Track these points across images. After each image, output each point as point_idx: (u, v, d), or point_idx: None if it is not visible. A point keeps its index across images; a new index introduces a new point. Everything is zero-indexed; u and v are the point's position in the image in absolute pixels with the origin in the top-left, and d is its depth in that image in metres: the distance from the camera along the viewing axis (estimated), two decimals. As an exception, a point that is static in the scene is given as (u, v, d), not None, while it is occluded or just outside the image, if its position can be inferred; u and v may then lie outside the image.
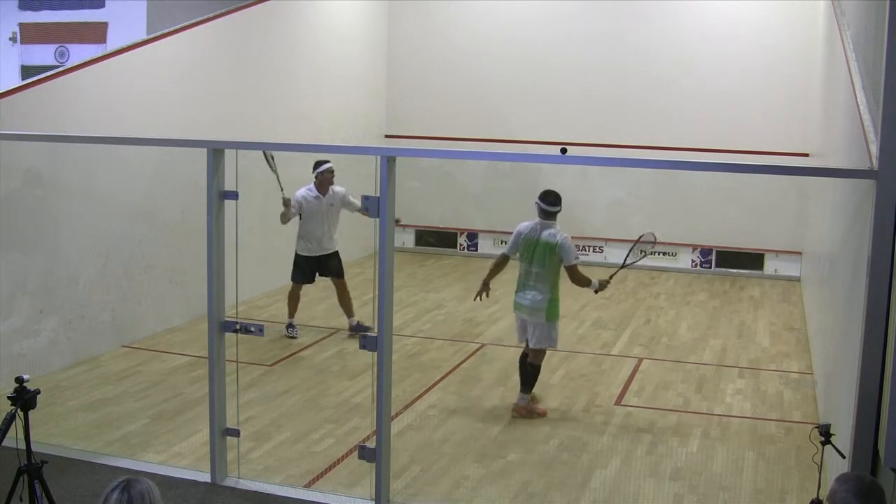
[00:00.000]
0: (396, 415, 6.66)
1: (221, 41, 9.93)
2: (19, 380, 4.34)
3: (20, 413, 4.30)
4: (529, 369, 6.99)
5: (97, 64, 8.29)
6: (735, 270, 12.49)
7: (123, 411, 6.85)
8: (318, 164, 8.78)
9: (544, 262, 6.76)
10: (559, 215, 6.86)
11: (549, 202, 6.80)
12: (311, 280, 8.93)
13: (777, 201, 12.15)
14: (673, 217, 12.58)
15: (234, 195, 5.53)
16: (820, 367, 7.47)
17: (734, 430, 6.74)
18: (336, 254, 8.93)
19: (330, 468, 5.92)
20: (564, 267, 6.79)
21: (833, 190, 7.16)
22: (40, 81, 7.74)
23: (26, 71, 12.49)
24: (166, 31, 9.21)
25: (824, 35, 10.40)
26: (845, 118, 6.51)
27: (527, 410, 6.90)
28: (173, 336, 8.83)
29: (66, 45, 12.84)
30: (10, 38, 13.21)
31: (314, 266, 8.87)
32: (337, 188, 8.82)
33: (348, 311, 8.99)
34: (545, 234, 6.76)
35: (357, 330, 8.74)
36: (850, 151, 5.85)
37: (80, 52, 12.16)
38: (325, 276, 8.92)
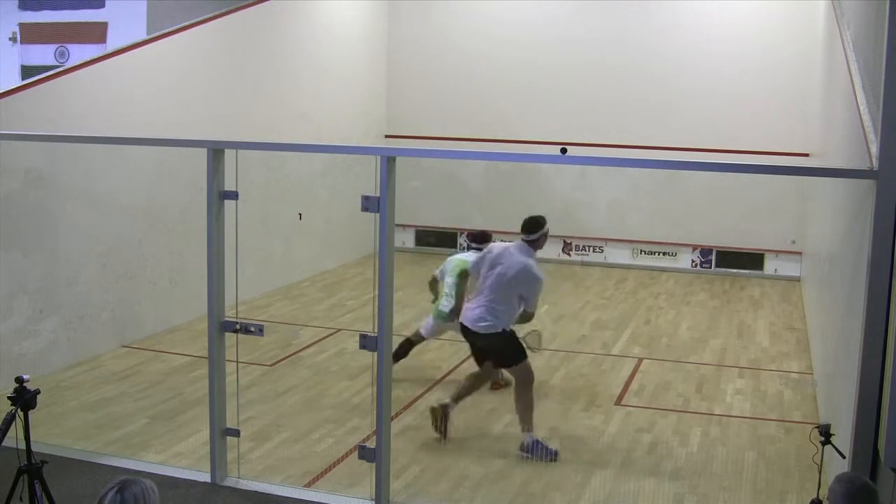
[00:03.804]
0: (396, 415, 6.66)
1: (221, 41, 9.93)
2: (19, 380, 4.34)
3: (20, 413, 4.30)
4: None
5: (97, 64, 8.29)
6: (735, 270, 12.49)
7: (123, 411, 6.85)
8: (543, 222, 6.42)
9: None
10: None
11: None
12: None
13: (777, 201, 12.15)
14: (673, 217, 12.58)
15: (234, 195, 5.53)
16: (820, 367, 7.47)
17: (734, 430, 6.74)
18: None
19: (330, 468, 5.92)
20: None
21: (833, 190, 7.16)
22: (40, 81, 7.74)
23: (26, 71, 12.48)
24: (166, 31, 9.21)
25: (824, 35, 10.40)
26: (845, 118, 6.51)
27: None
28: (173, 336, 8.83)
29: (66, 45, 12.84)
30: (10, 38, 13.20)
31: None
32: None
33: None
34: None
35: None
36: (850, 151, 5.85)
37: (80, 52, 12.16)
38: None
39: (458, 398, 6.43)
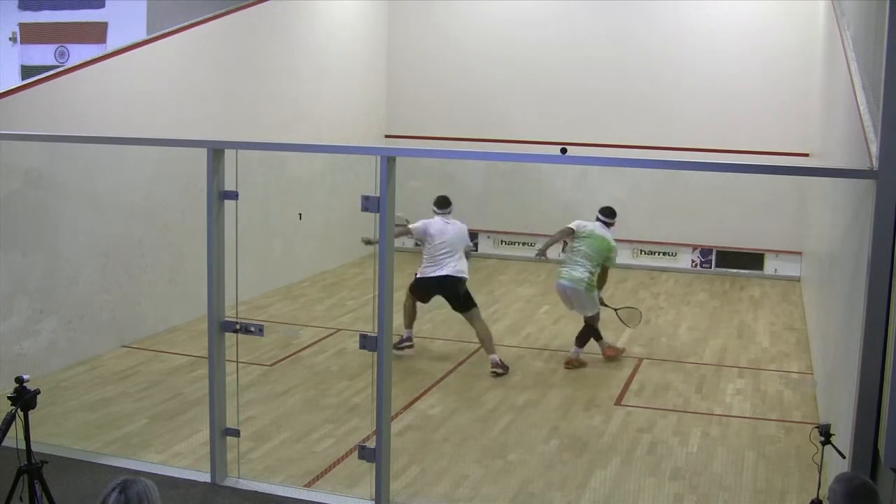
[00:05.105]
0: (396, 415, 6.66)
1: (221, 41, 9.93)
2: (19, 380, 4.34)
3: (20, 413, 4.30)
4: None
5: (97, 64, 8.29)
6: (735, 270, 12.49)
7: (123, 411, 6.85)
8: (450, 201, 8.78)
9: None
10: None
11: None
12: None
13: (777, 201, 12.15)
14: (673, 217, 12.58)
15: (234, 195, 5.54)
16: (820, 367, 7.47)
17: (734, 430, 6.74)
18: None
19: (330, 468, 5.92)
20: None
21: (833, 190, 7.16)
22: (40, 81, 7.74)
23: (26, 71, 12.48)
24: (166, 31, 9.21)
25: (824, 35, 10.40)
26: (845, 118, 6.51)
27: (578, 362, 8.19)
28: (173, 336, 8.83)
29: (66, 45, 12.83)
30: (10, 38, 13.20)
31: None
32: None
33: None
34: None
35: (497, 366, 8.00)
36: (850, 151, 5.85)
37: (80, 52, 12.15)
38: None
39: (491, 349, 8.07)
